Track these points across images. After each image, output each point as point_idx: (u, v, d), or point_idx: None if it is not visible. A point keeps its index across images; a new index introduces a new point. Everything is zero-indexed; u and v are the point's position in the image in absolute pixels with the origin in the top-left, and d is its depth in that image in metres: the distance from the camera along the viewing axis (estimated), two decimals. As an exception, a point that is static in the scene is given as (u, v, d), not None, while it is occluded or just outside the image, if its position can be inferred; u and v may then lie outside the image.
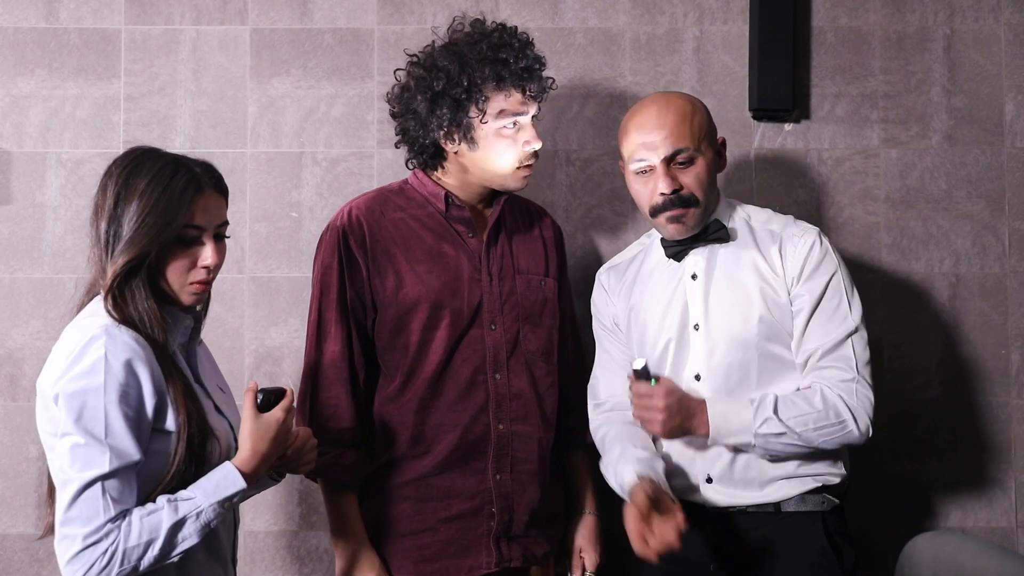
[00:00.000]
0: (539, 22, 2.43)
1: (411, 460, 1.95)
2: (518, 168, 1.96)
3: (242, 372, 2.38)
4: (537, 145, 1.95)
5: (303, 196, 2.42)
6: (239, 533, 1.78)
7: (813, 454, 1.84)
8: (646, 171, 1.87)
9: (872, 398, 1.83)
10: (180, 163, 1.59)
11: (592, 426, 2.04)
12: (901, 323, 2.42)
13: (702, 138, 1.87)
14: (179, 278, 1.58)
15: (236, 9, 2.43)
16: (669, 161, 1.85)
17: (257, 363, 2.40)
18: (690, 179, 1.85)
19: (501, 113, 1.91)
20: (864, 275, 2.39)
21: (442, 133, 1.93)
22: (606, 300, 2.08)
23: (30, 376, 2.37)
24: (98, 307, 1.54)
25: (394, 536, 1.96)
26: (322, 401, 1.94)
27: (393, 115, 2.03)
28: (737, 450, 1.85)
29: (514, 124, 1.93)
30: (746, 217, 1.97)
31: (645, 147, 1.86)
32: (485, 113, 1.90)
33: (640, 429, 1.92)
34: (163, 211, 1.54)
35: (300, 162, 2.42)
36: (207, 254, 1.59)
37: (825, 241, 1.90)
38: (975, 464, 2.41)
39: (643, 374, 1.85)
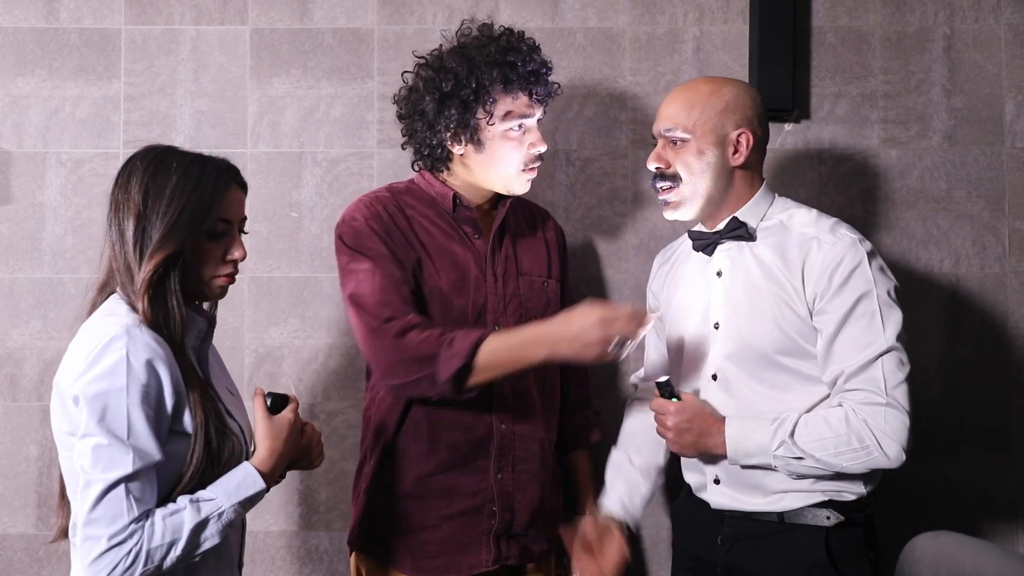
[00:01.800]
0: (539, 22, 2.43)
1: (413, 457, 1.95)
2: (523, 171, 1.97)
3: (242, 372, 2.38)
4: (543, 148, 1.97)
5: (303, 196, 2.42)
6: (240, 533, 1.78)
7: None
8: (654, 142, 1.94)
9: (906, 422, 1.73)
10: (205, 159, 1.61)
11: (629, 401, 2.15)
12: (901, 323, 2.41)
13: (705, 124, 1.86)
14: (210, 272, 1.61)
15: (236, 9, 2.43)
16: (665, 138, 1.90)
17: (257, 363, 2.40)
18: (677, 160, 1.88)
19: (508, 115, 1.92)
20: (864, 275, 2.39)
21: (449, 135, 1.94)
22: (652, 284, 2.14)
23: (30, 376, 2.37)
24: (116, 306, 1.54)
25: (395, 532, 1.96)
26: (403, 328, 1.85)
27: (400, 116, 2.04)
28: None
29: (520, 127, 1.94)
30: (786, 216, 1.89)
31: (657, 119, 1.93)
32: (492, 115, 1.92)
33: (651, 429, 1.96)
34: (197, 205, 1.56)
35: (300, 162, 2.42)
36: (236, 247, 1.63)
37: (862, 251, 1.79)
38: (975, 464, 2.41)
39: (665, 389, 1.86)
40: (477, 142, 1.94)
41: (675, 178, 1.88)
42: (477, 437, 1.95)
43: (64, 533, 1.60)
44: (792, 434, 1.75)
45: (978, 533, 2.38)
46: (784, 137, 2.44)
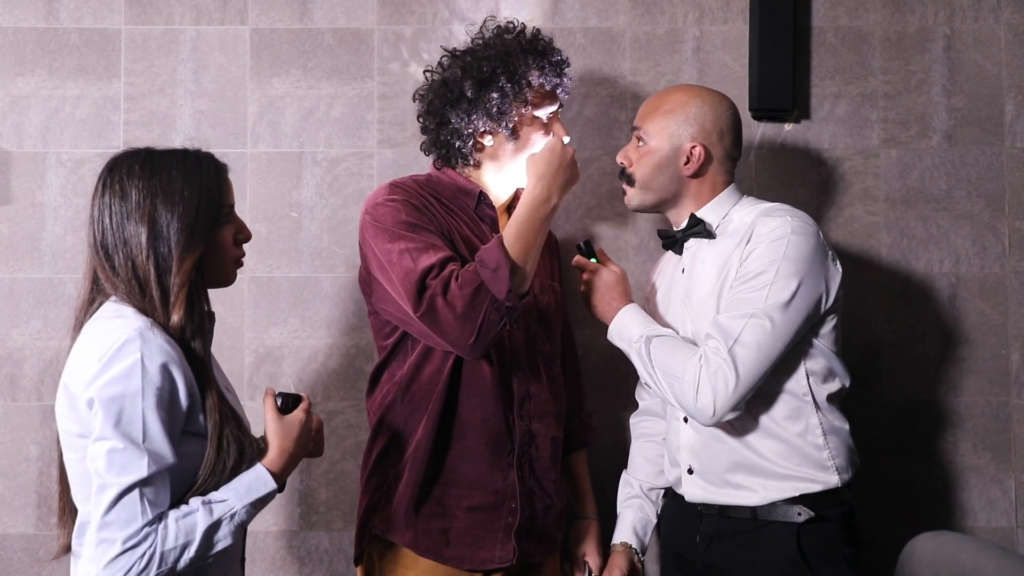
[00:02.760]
0: (539, 22, 2.42)
1: (440, 445, 1.93)
2: None
3: (242, 372, 2.38)
4: (568, 138, 2.04)
5: (303, 196, 2.42)
6: (241, 533, 1.78)
7: (796, 452, 1.82)
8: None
9: (733, 383, 1.74)
10: (193, 152, 1.61)
11: (638, 410, 2.19)
12: (901, 323, 2.42)
13: (663, 131, 1.93)
14: (229, 257, 1.63)
15: (236, 9, 2.43)
16: (634, 135, 1.99)
17: (257, 363, 2.39)
18: (637, 161, 1.97)
19: (542, 102, 1.99)
20: (864, 275, 2.39)
21: (485, 122, 1.96)
22: (647, 292, 2.19)
23: (30, 376, 2.37)
24: (121, 308, 1.53)
25: (418, 516, 1.93)
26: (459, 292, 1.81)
27: (428, 112, 2.03)
28: (713, 439, 1.87)
29: (549, 115, 2.01)
30: (745, 212, 1.93)
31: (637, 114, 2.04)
32: (527, 102, 1.97)
33: (652, 450, 2.11)
34: (210, 198, 1.57)
35: (300, 162, 2.42)
36: (243, 228, 1.66)
37: (788, 229, 1.80)
38: (975, 464, 2.41)
39: (584, 250, 2.05)
40: (511, 130, 1.97)
41: (629, 177, 1.98)
42: (499, 433, 1.94)
43: (66, 550, 1.59)
44: (651, 342, 1.85)
45: (978, 533, 2.38)
46: (784, 137, 2.44)
